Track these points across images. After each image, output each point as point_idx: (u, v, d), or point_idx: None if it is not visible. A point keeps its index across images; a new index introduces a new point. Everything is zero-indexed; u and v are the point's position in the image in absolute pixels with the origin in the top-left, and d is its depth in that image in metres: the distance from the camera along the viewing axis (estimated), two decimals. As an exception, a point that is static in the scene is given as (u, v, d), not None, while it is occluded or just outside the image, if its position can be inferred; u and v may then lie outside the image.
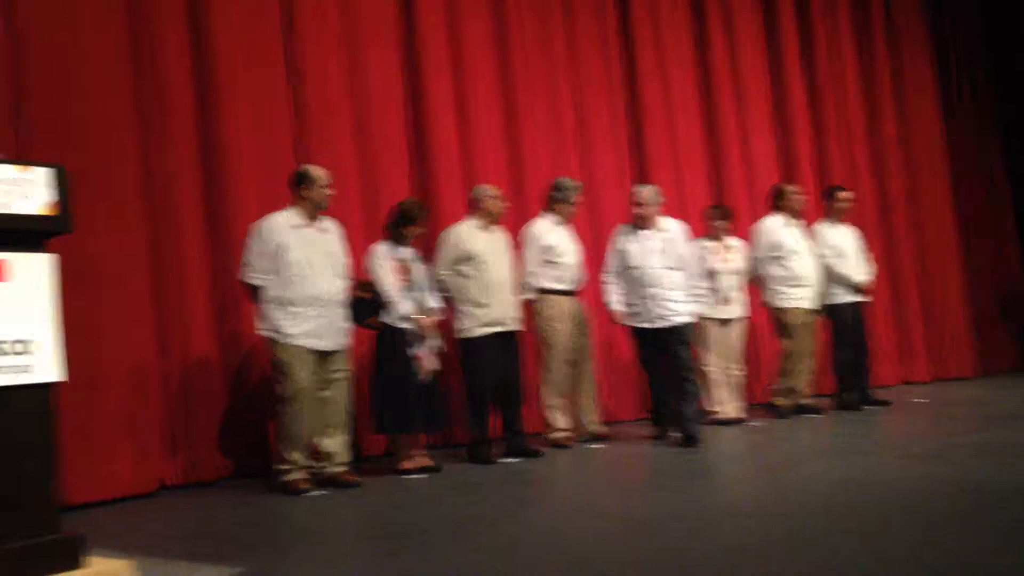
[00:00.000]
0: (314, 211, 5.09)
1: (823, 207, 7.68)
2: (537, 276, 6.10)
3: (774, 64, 9.15)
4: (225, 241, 5.59)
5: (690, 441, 5.69)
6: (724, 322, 6.87)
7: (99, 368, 4.90)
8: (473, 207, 5.89)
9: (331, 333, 5.03)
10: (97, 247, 4.90)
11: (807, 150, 9.12)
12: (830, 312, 7.31)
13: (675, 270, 5.92)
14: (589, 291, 6.61)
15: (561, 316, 6.11)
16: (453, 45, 6.93)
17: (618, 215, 6.91)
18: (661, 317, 5.87)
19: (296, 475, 4.95)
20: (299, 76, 6.11)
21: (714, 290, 6.76)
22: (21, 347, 2.86)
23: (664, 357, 5.92)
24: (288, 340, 4.92)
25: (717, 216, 6.93)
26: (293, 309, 4.93)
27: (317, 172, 5.12)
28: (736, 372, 6.92)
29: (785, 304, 7.01)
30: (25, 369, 2.85)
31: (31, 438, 2.86)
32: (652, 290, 5.88)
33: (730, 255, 6.89)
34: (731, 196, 8.26)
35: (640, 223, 6.01)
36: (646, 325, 5.94)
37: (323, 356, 5.03)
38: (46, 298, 2.96)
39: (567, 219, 6.31)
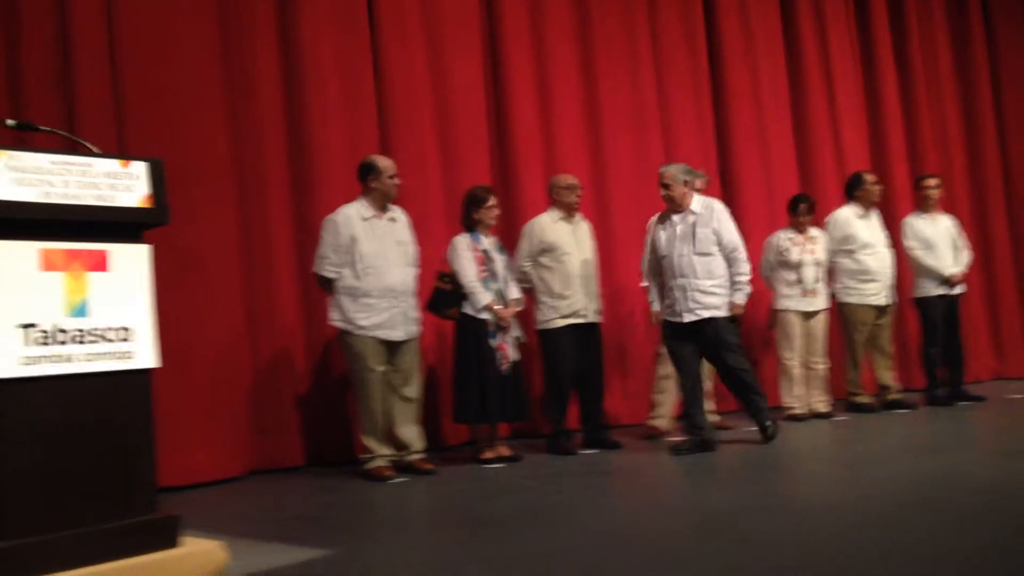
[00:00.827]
0: (383, 201, 5.16)
1: (915, 197, 7.46)
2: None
3: (865, 50, 8.91)
4: (312, 233, 5.69)
5: (768, 435, 5.50)
6: (808, 315, 6.74)
7: (191, 355, 5.07)
8: (551, 198, 5.90)
9: (403, 324, 5.10)
10: (190, 239, 5.06)
11: (899, 139, 8.85)
12: (919, 305, 7.11)
13: (706, 256, 5.38)
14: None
15: None
16: (535, 33, 6.93)
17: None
18: (690, 310, 5.36)
19: (378, 463, 5.05)
20: (383, 68, 6.19)
21: (799, 281, 6.65)
22: (124, 334, 2.98)
23: (699, 355, 5.47)
24: (360, 332, 5.01)
25: (800, 207, 6.80)
26: (366, 301, 5.01)
27: (384, 162, 5.19)
28: (820, 366, 6.79)
29: (852, 299, 6.85)
30: (127, 355, 2.97)
31: (132, 421, 2.98)
32: (680, 280, 5.39)
33: (813, 246, 6.76)
34: (820, 186, 8.07)
35: (669, 206, 5.51)
36: (675, 319, 5.44)
37: (394, 345, 5.11)
38: (144, 287, 3.07)
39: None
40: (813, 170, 8.29)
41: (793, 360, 6.71)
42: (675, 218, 5.44)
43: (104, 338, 2.93)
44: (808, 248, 6.73)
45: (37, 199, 2.79)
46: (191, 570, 2.95)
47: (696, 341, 5.41)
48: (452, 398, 5.51)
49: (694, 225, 5.37)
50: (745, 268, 5.43)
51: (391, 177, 5.14)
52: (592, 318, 5.74)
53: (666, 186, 5.43)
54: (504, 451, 5.45)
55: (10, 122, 3.21)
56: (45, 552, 2.70)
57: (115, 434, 2.93)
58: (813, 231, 6.83)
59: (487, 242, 5.48)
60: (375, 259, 5.03)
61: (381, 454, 5.06)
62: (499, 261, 5.49)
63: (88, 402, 2.88)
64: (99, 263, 2.95)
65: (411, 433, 5.19)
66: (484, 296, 5.34)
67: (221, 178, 5.42)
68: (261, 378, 5.58)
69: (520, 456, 5.44)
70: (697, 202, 5.45)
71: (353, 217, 5.08)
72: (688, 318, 5.36)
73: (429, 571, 3.05)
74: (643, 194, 6.81)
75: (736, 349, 5.46)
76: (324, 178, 5.80)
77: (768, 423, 5.50)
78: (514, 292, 5.53)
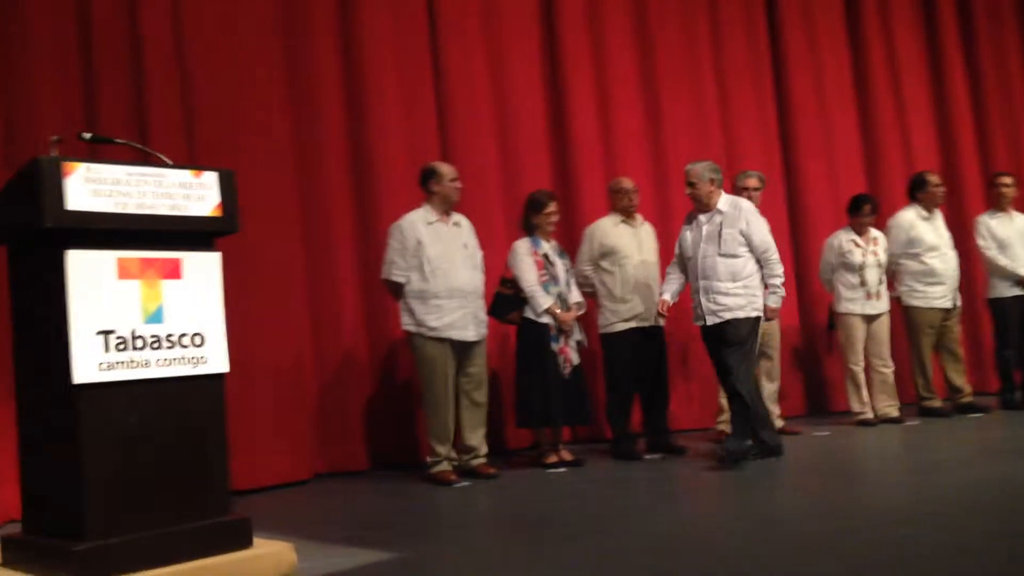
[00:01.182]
0: (445, 206, 5.21)
1: (987, 195, 7.28)
2: None
3: (932, 47, 8.69)
4: (374, 240, 5.77)
5: (723, 457, 5.06)
6: (871, 318, 6.61)
7: (258, 361, 5.15)
8: (610, 201, 5.89)
9: (472, 324, 5.14)
10: (256, 246, 5.16)
11: (968, 137, 8.62)
12: (993, 306, 6.93)
13: (731, 257, 5.11)
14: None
15: None
16: (594, 37, 6.91)
17: (765, 209, 6.74)
18: (712, 312, 5.12)
19: (443, 467, 5.09)
20: (443, 75, 6.24)
21: (862, 284, 6.54)
22: (198, 340, 3.05)
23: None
24: (431, 333, 5.06)
25: (864, 207, 6.67)
26: (435, 302, 5.06)
27: (444, 168, 5.25)
28: (886, 369, 6.65)
29: (917, 302, 6.69)
30: (200, 361, 3.05)
31: (206, 425, 3.06)
32: (702, 282, 5.16)
33: (875, 247, 6.63)
34: (888, 186, 7.88)
35: (696, 206, 5.29)
36: (700, 323, 5.23)
37: (463, 349, 5.15)
38: (215, 294, 3.15)
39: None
40: (881, 170, 8.13)
41: (859, 365, 6.59)
42: (701, 218, 5.23)
43: (178, 344, 3.01)
44: (871, 250, 6.61)
45: (114, 210, 2.88)
46: (264, 571, 3.01)
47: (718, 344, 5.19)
48: (514, 402, 5.53)
49: (720, 225, 5.14)
50: (779, 270, 5.21)
51: (452, 181, 5.19)
52: (654, 322, 5.71)
53: (691, 184, 5.22)
54: (567, 456, 5.44)
55: (86, 135, 3.31)
56: (125, 552, 2.78)
57: (190, 437, 3.01)
58: (874, 232, 6.70)
59: (547, 246, 5.49)
60: (442, 261, 5.09)
61: (446, 458, 5.10)
62: (560, 265, 5.50)
63: (163, 406, 2.97)
64: (173, 271, 3.04)
65: (477, 438, 5.22)
66: (544, 300, 5.35)
67: (285, 186, 5.51)
68: (326, 383, 5.66)
69: (583, 461, 5.43)
70: (724, 201, 5.21)
71: (418, 222, 5.15)
72: (711, 321, 5.14)
73: (493, 575, 3.07)
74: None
75: (751, 356, 5.13)
76: (385, 185, 5.86)
77: (733, 447, 5.03)
78: (575, 296, 5.53)
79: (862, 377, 6.60)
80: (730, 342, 5.07)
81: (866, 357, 6.62)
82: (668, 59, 7.21)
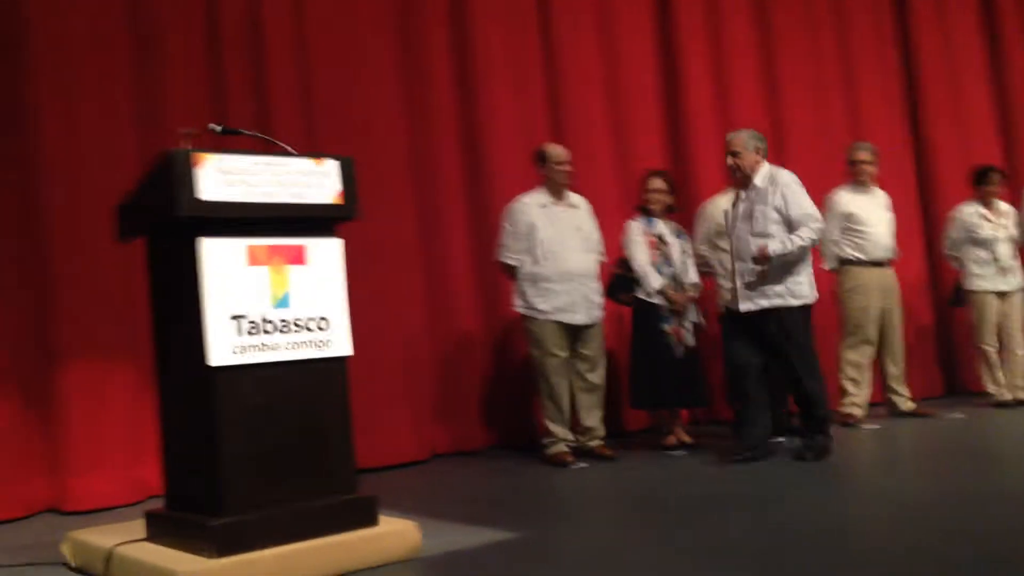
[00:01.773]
0: (558, 189, 5.20)
1: None
2: (839, 246, 5.90)
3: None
4: (486, 223, 5.82)
5: (805, 454, 4.67)
6: (1002, 295, 6.29)
7: (376, 343, 5.26)
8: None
9: (583, 308, 5.12)
10: (372, 231, 5.25)
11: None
12: None
13: (763, 237, 4.68)
14: (901, 262, 6.29)
15: (863, 288, 5.87)
16: (708, 9, 6.76)
17: (891, 180, 6.50)
18: (748, 298, 4.75)
19: (560, 448, 5.11)
20: (553, 53, 6.22)
21: (994, 259, 6.22)
22: (323, 324, 3.15)
23: (758, 351, 4.80)
24: (541, 316, 5.08)
25: (991, 177, 6.32)
26: (545, 285, 5.08)
27: (553, 150, 5.24)
28: (1020, 351, 6.31)
29: None
30: (325, 344, 3.15)
31: (331, 406, 3.16)
32: (738, 264, 4.80)
33: (1005, 220, 6.29)
34: (1024, 157, 7.51)
35: (737, 177, 4.87)
36: (733, 307, 4.87)
37: (577, 331, 5.14)
38: (338, 279, 3.24)
39: (868, 183, 6.01)
40: (1018, 139, 7.70)
41: (991, 344, 6.29)
42: (743, 194, 4.84)
43: (305, 328, 3.11)
44: (1001, 223, 6.28)
45: (242, 198, 2.99)
46: (390, 548, 3.10)
47: (755, 334, 4.79)
48: (628, 383, 5.50)
49: (753, 202, 4.75)
50: (807, 233, 4.62)
51: (559, 164, 5.19)
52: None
53: (735, 154, 4.77)
54: (685, 438, 5.39)
55: (216, 127, 3.45)
56: (260, 528, 2.90)
57: (316, 418, 3.12)
58: (1002, 205, 6.36)
59: (662, 226, 5.42)
60: (553, 244, 5.10)
61: (562, 439, 5.13)
62: (675, 245, 5.42)
63: (292, 388, 3.08)
64: (297, 257, 3.14)
65: (593, 419, 5.23)
66: (655, 280, 5.29)
67: (399, 171, 5.61)
68: (442, 364, 5.75)
69: (702, 443, 5.37)
70: (761, 175, 4.78)
71: (531, 205, 5.17)
72: (744, 307, 4.76)
73: (613, 557, 3.07)
74: (826, 172, 6.54)
75: (806, 349, 4.73)
76: (497, 167, 5.90)
77: (811, 447, 4.71)
78: (692, 276, 5.45)
79: (995, 357, 6.30)
80: (775, 337, 4.67)
81: (1000, 336, 6.31)
82: (786, 26, 7.00)
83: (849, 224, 5.91)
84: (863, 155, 5.96)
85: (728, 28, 6.79)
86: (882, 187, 6.16)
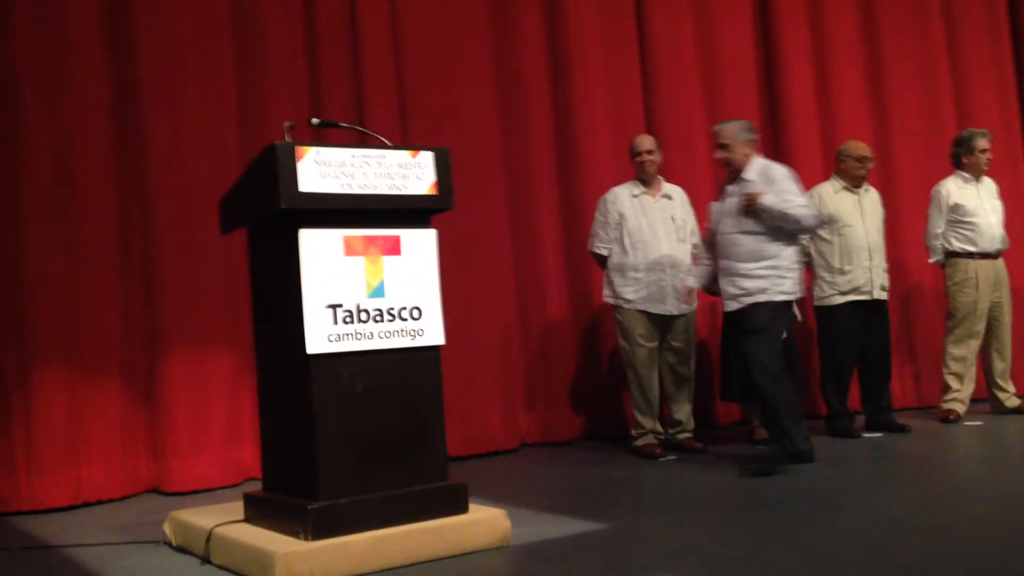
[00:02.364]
0: (648, 179, 5.16)
1: None
2: (946, 239, 5.73)
3: None
4: (578, 211, 5.81)
5: (760, 467, 4.32)
6: None
7: (468, 333, 5.32)
8: (837, 165, 5.61)
9: (672, 298, 5.07)
10: (466, 222, 5.30)
11: None
12: None
13: (751, 234, 4.41)
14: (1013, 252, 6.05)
15: (972, 281, 5.67)
16: (810, -4, 6.63)
17: (999, 168, 6.23)
18: (732, 297, 4.50)
19: (648, 440, 5.08)
20: (648, 43, 6.16)
21: None
22: (417, 313, 3.19)
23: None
24: (628, 306, 5.06)
25: None
26: (633, 275, 5.05)
27: (636, 141, 5.20)
28: None
29: None
30: (419, 333, 3.19)
31: (424, 394, 3.20)
32: (723, 263, 4.55)
33: None
34: None
35: (729, 172, 4.58)
36: (726, 310, 4.66)
37: (666, 321, 5.10)
38: (432, 270, 3.27)
39: (977, 174, 5.80)
40: None
41: None
42: (730, 188, 4.54)
43: (399, 317, 3.15)
44: None
45: (340, 190, 3.04)
46: (480, 535, 3.12)
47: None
48: (719, 376, 5.43)
49: (743, 196, 4.44)
50: (805, 212, 4.36)
51: (638, 155, 5.14)
52: (877, 295, 5.41)
53: (724, 146, 4.49)
54: (778, 432, 5.29)
55: (315, 121, 3.52)
56: (354, 512, 2.96)
57: (409, 406, 3.16)
58: None
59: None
60: (643, 234, 5.07)
61: (651, 431, 5.09)
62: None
63: (385, 376, 3.13)
64: (393, 247, 3.18)
65: (683, 412, 5.18)
66: None
67: (492, 161, 5.64)
68: (532, 354, 5.77)
69: (795, 438, 5.26)
70: (753, 169, 4.47)
71: (622, 195, 5.15)
72: (730, 307, 4.53)
73: (705, 551, 3.04)
74: (932, 162, 6.33)
75: (769, 347, 4.36)
76: (589, 157, 5.87)
77: (773, 457, 4.38)
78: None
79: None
80: (748, 328, 4.41)
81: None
82: (892, 13, 6.77)
83: (957, 216, 5.69)
84: (984, 143, 5.74)
85: (830, 12, 6.61)
86: (990, 175, 5.92)
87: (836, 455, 4.82)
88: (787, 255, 4.43)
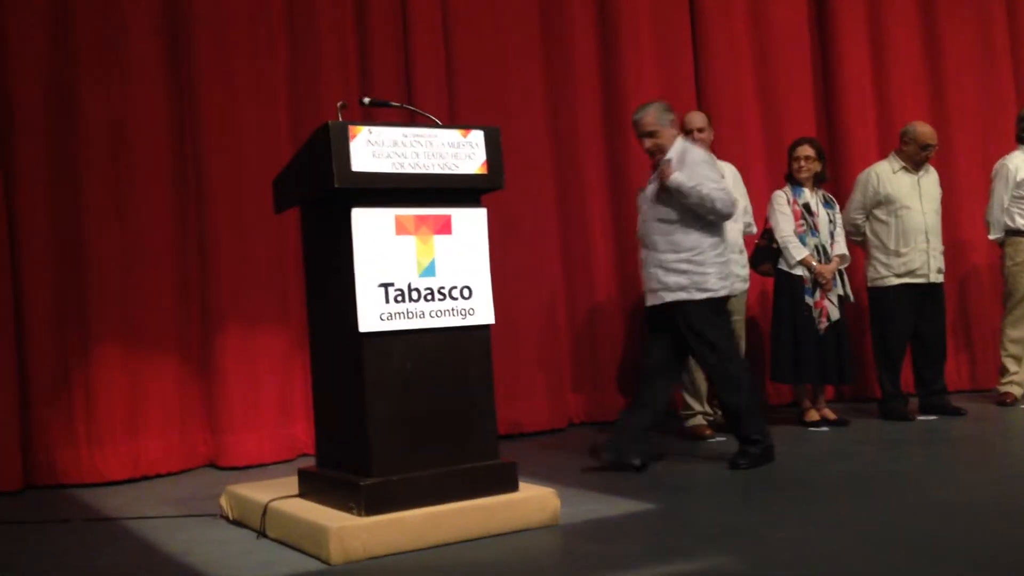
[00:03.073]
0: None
1: None
2: (1009, 215, 5.59)
3: None
4: (626, 190, 5.77)
5: (736, 462, 4.10)
6: None
7: (516, 312, 5.33)
8: (900, 145, 5.49)
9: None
10: (513, 201, 5.29)
11: None
12: None
13: (668, 223, 4.15)
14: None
15: None
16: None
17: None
18: (652, 291, 4.23)
19: (697, 420, 5.06)
20: (700, 17, 6.08)
21: None
22: (467, 292, 3.21)
23: (673, 347, 4.24)
24: None
25: None
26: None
27: (686, 117, 5.13)
28: None
29: None
30: (469, 312, 3.20)
31: (475, 373, 3.22)
32: (642, 253, 4.31)
33: None
34: None
35: (655, 160, 4.33)
36: (646, 302, 4.34)
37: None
38: (482, 249, 3.28)
39: None
40: None
41: None
42: (654, 174, 4.27)
43: (449, 296, 3.17)
44: None
45: (391, 170, 3.06)
46: (530, 514, 3.14)
47: (670, 330, 4.22)
48: (769, 357, 5.38)
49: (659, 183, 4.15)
50: (716, 195, 4.05)
51: (688, 133, 5.06)
52: (932, 278, 5.31)
53: (650, 134, 4.20)
54: (829, 414, 5.24)
55: (366, 100, 3.54)
56: (406, 489, 3.00)
57: (460, 384, 3.19)
58: None
59: (809, 195, 5.24)
60: None
61: (700, 412, 5.07)
62: (823, 215, 5.23)
63: (436, 355, 3.15)
64: (444, 227, 3.19)
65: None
66: (798, 251, 5.12)
67: (539, 140, 5.62)
68: (579, 334, 5.77)
69: (847, 420, 5.20)
70: (673, 149, 4.18)
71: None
72: (649, 301, 4.23)
73: (754, 532, 3.02)
74: (991, 142, 6.19)
75: (719, 350, 4.10)
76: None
77: (746, 455, 4.13)
78: (840, 248, 5.25)
79: None
80: (690, 340, 4.12)
81: None
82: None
83: (1021, 193, 5.54)
84: None
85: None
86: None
87: (889, 438, 4.76)
88: (707, 247, 4.13)
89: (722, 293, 4.17)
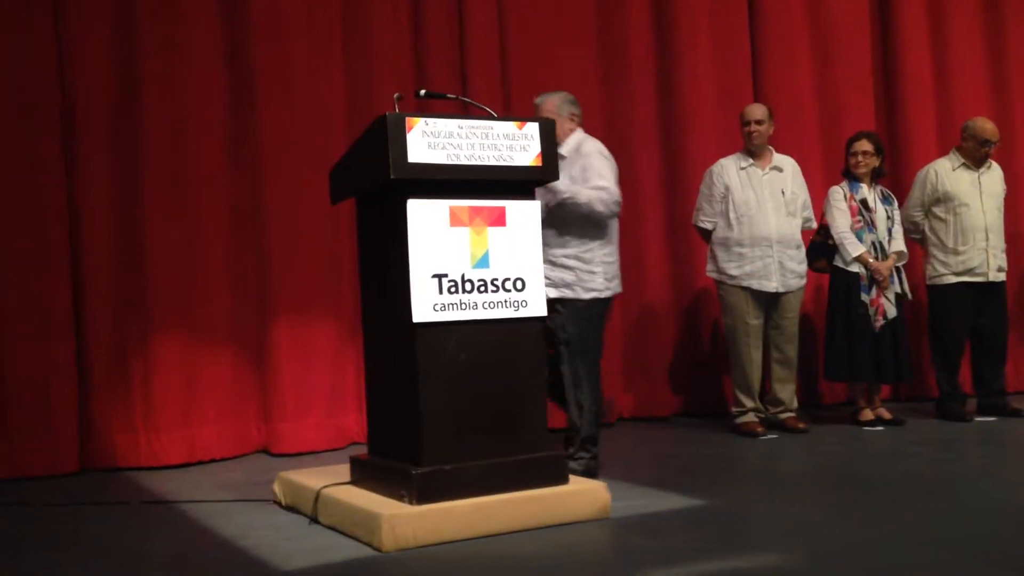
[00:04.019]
0: (756, 150, 5.05)
1: None
2: None
3: None
4: (680, 183, 5.73)
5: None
6: None
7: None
8: (960, 141, 5.37)
9: (777, 274, 4.96)
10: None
11: None
12: None
13: (556, 217, 3.89)
14: None
15: None
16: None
17: None
18: (551, 284, 3.89)
19: (749, 417, 5.00)
20: (758, 9, 6.01)
21: None
22: (520, 284, 3.21)
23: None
24: (731, 281, 4.98)
25: None
26: (738, 250, 4.96)
27: (745, 109, 5.09)
28: None
29: None
30: (522, 304, 3.21)
31: (526, 365, 3.22)
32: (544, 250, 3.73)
33: None
34: None
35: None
36: None
37: (771, 299, 4.99)
38: (535, 241, 3.28)
39: None
40: None
41: None
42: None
43: (502, 288, 3.18)
44: None
45: (447, 161, 3.07)
46: (580, 507, 3.14)
47: None
48: (823, 354, 5.31)
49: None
50: (595, 196, 3.81)
51: (746, 125, 5.04)
52: (993, 277, 5.19)
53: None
54: (885, 413, 5.15)
55: (422, 92, 3.55)
56: (457, 479, 3.01)
57: (511, 376, 3.19)
58: None
59: (867, 191, 5.15)
60: (748, 208, 4.96)
61: (752, 409, 5.02)
62: (881, 211, 5.14)
63: (488, 347, 3.16)
64: (498, 219, 3.20)
65: (786, 392, 5.08)
66: (854, 247, 5.04)
67: (594, 131, 5.50)
68: (632, 328, 5.74)
69: (903, 420, 5.12)
70: (568, 145, 4.00)
71: (729, 167, 5.05)
72: (550, 293, 3.87)
73: (810, 531, 2.99)
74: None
75: (583, 353, 3.89)
76: (694, 129, 5.78)
77: (578, 460, 3.84)
78: (898, 244, 5.15)
79: None
80: (561, 338, 3.89)
81: None
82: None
83: None
84: None
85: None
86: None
87: (947, 438, 4.67)
88: (596, 246, 3.94)
89: (606, 295, 3.98)
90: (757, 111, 5.05)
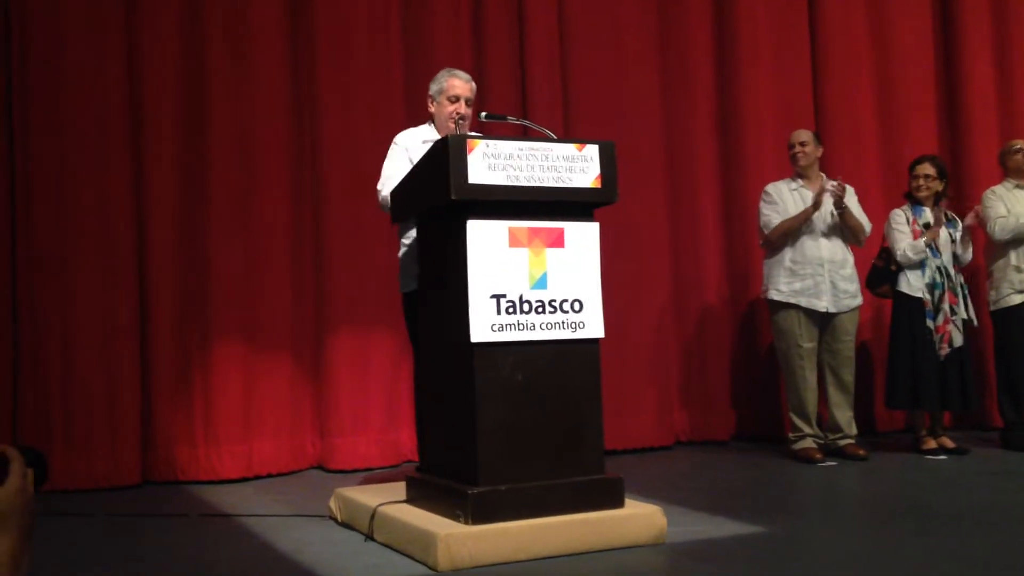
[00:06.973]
0: (803, 172, 5.02)
1: None
2: None
3: None
4: (739, 203, 5.69)
5: None
6: None
7: (624, 326, 5.29)
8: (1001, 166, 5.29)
9: (829, 294, 4.88)
10: (625, 214, 5.26)
11: None
12: None
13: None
14: None
15: None
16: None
17: None
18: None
19: (806, 443, 4.92)
20: (819, 32, 5.96)
21: None
22: (578, 305, 3.21)
23: None
24: (780, 298, 4.93)
25: None
26: (790, 267, 4.91)
27: (793, 133, 5.07)
28: None
29: None
30: (579, 326, 3.20)
31: (583, 387, 3.20)
32: None
33: None
34: None
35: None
36: None
37: (824, 320, 4.92)
38: (593, 263, 3.27)
39: None
40: None
41: None
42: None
43: (560, 309, 3.18)
44: None
45: (506, 182, 3.08)
46: (636, 531, 3.11)
47: None
48: (884, 381, 5.20)
49: None
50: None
51: (792, 147, 5.03)
52: None
53: (467, 101, 3.84)
54: (947, 442, 5.03)
55: (483, 114, 3.59)
56: (512, 499, 3.01)
57: (568, 398, 3.18)
58: None
59: (930, 214, 5.06)
60: (800, 229, 4.91)
61: (811, 435, 4.94)
62: (944, 234, 5.04)
63: (545, 367, 3.15)
64: (557, 240, 3.20)
65: (844, 417, 4.99)
66: (914, 248, 4.96)
67: (654, 155, 5.59)
68: (690, 350, 5.69)
69: (967, 449, 4.99)
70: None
71: (783, 188, 5.03)
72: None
73: (871, 561, 2.92)
74: None
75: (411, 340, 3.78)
76: (754, 150, 5.74)
77: None
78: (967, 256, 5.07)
79: None
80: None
81: None
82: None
83: None
84: None
85: (1015, 8, 6.22)
86: None
87: (1011, 469, 4.55)
88: (411, 241, 3.72)
89: (405, 290, 3.81)
90: (803, 134, 5.07)
